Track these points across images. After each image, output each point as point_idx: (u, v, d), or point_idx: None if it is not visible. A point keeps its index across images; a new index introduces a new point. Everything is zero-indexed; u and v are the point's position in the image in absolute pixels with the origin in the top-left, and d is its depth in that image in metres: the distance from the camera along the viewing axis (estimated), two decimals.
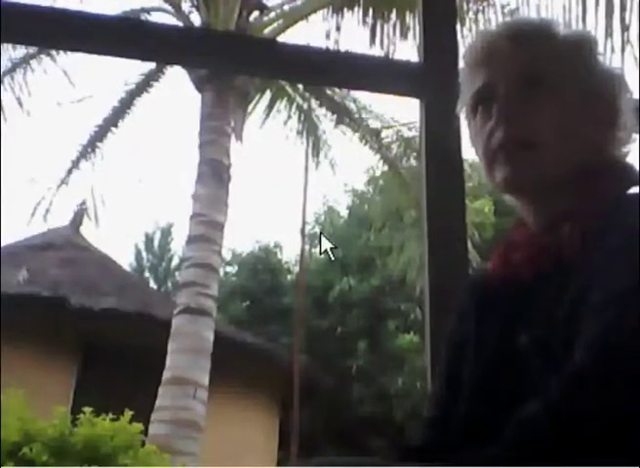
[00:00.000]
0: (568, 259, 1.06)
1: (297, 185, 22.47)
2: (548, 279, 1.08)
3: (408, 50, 7.68)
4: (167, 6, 9.58)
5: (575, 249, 1.06)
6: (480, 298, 1.21)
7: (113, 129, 9.97)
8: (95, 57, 2.16)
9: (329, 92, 9.89)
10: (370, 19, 7.67)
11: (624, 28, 4.96)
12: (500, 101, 1.17)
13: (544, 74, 1.17)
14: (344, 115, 10.04)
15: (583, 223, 1.08)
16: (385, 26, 7.53)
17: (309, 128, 10.39)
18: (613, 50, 4.94)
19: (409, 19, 7.42)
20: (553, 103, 1.15)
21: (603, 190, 1.12)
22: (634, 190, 1.13)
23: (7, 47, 8.22)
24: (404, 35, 7.45)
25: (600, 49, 1.24)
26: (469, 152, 1.31)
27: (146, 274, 20.70)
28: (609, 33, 5.05)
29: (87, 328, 9.39)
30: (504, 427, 0.91)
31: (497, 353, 1.11)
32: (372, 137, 9.88)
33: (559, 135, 1.14)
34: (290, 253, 18.77)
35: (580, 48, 1.21)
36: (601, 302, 0.95)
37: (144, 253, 21.20)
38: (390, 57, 7.16)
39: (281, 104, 10.29)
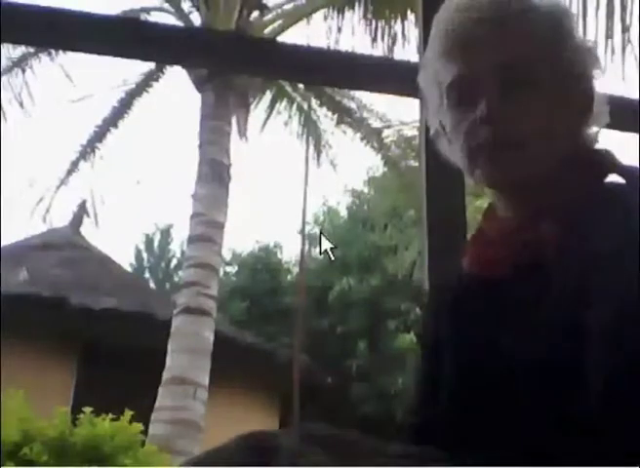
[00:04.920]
0: (548, 257, 1.02)
1: (297, 185, 22.48)
2: (528, 278, 1.03)
3: (408, 50, 7.68)
4: (167, 6, 9.59)
5: (555, 246, 1.02)
6: (455, 299, 1.15)
7: (113, 129, 9.97)
8: (95, 56, 2.16)
9: (329, 91, 9.88)
10: (370, 19, 7.66)
11: (625, 29, 4.96)
12: (482, 97, 1.09)
13: (526, 66, 1.09)
14: (345, 115, 10.05)
15: (564, 219, 1.04)
16: (386, 26, 7.53)
17: (310, 128, 10.39)
18: (613, 50, 4.95)
19: (409, 18, 7.42)
20: (537, 99, 1.08)
21: (582, 183, 1.08)
22: (613, 177, 1.09)
23: (6, 46, 8.21)
24: (404, 35, 7.45)
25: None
26: None
27: (146, 274, 20.72)
28: (609, 34, 5.05)
29: (87, 328, 9.39)
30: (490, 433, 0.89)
31: (477, 356, 1.05)
32: (373, 137, 9.87)
33: (544, 132, 1.08)
34: (290, 254, 18.78)
35: (560, 26, 1.13)
36: (605, 318, 0.90)
37: (144, 254, 21.21)
38: (390, 56, 7.16)
39: (281, 104, 10.29)
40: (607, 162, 1.12)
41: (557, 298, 0.97)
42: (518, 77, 1.09)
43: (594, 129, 1.15)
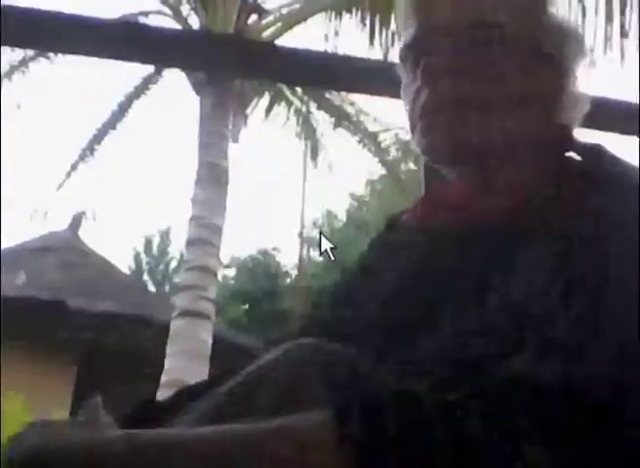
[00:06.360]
0: (490, 228, 0.97)
1: (295, 189, 22.52)
2: (475, 250, 0.96)
3: None
4: (165, 9, 9.60)
5: (498, 218, 0.98)
6: (387, 243, 1.11)
7: (112, 132, 9.99)
8: (94, 59, 2.17)
9: (327, 95, 9.90)
10: (368, 21, 7.67)
11: (624, 34, 4.97)
12: (433, 58, 1.02)
13: (483, 27, 1.01)
14: (343, 118, 10.06)
15: (510, 192, 0.99)
16: (384, 27, 7.53)
17: (308, 131, 10.40)
18: (612, 53, 4.96)
19: None
20: (499, 62, 1.01)
21: (543, 159, 1.02)
22: (577, 156, 1.04)
23: (6, 49, 8.23)
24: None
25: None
26: None
27: (145, 277, 20.74)
28: (608, 36, 5.06)
29: (85, 330, 9.38)
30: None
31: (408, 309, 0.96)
32: (370, 140, 9.89)
33: (503, 98, 1.00)
34: (288, 257, 18.82)
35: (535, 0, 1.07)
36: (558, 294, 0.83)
37: (143, 256, 21.24)
38: (389, 58, 7.17)
39: (279, 108, 10.30)
40: (566, 138, 1.07)
41: (487, 269, 0.92)
42: (479, 37, 1.01)
43: (571, 112, 1.08)
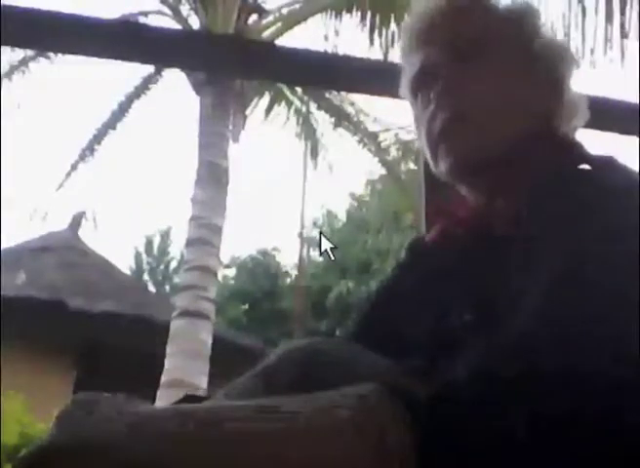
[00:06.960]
0: (502, 236, 1.03)
1: (295, 189, 22.52)
2: (484, 256, 1.04)
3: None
4: (165, 9, 9.60)
5: (508, 225, 1.03)
6: (420, 266, 1.17)
7: (112, 132, 9.98)
8: (93, 59, 2.17)
9: (327, 95, 9.89)
10: (368, 21, 7.67)
11: (624, 35, 4.97)
12: (438, 82, 1.10)
13: (478, 46, 1.10)
14: (343, 118, 10.05)
15: (517, 198, 1.04)
16: (384, 27, 7.53)
17: (308, 131, 10.39)
18: (612, 53, 4.96)
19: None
20: (486, 76, 1.09)
21: (538, 163, 1.07)
22: (573, 163, 1.07)
23: (6, 49, 8.22)
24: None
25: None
26: None
27: (145, 277, 20.74)
28: (608, 38, 5.06)
29: (85, 330, 9.38)
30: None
31: (433, 325, 1.05)
32: (370, 141, 9.88)
33: (492, 107, 1.08)
34: (288, 257, 18.81)
35: (520, 18, 1.15)
36: (537, 285, 0.87)
37: (144, 256, 21.23)
38: (389, 58, 7.17)
39: (279, 108, 10.29)
40: (575, 148, 1.11)
41: (510, 281, 0.96)
42: (467, 57, 1.10)
43: (569, 121, 1.14)
